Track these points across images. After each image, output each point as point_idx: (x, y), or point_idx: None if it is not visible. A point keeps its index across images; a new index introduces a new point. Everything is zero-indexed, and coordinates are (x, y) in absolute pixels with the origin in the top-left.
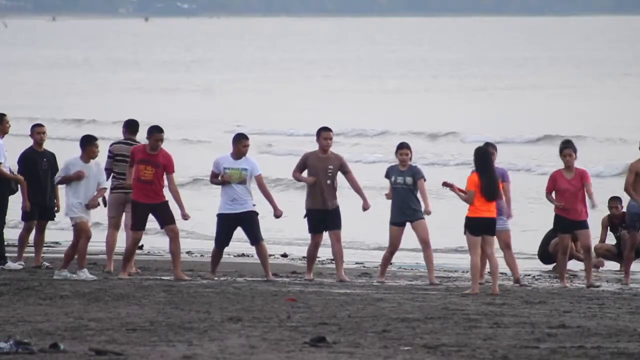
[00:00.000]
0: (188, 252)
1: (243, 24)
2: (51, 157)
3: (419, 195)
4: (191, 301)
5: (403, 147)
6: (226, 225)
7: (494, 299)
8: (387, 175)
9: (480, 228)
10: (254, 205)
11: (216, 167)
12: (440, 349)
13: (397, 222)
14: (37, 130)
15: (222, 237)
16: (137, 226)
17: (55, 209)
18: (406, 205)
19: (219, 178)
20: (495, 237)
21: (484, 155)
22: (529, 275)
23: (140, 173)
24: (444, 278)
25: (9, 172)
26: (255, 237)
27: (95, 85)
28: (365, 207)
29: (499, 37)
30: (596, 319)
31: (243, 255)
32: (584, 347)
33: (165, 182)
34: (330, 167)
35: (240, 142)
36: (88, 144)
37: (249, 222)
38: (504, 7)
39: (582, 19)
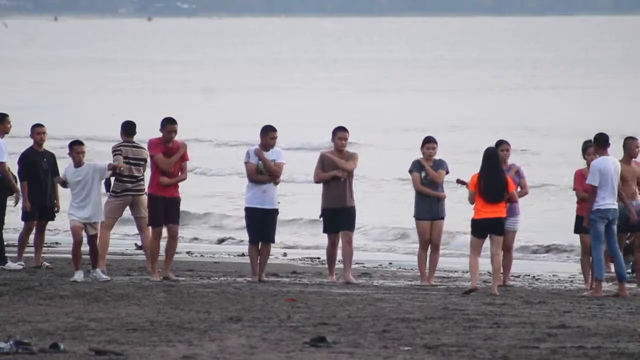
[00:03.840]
0: (188, 252)
1: (243, 24)
2: (51, 158)
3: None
4: (191, 301)
5: (430, 141)
6: (255, 218)
7: (494, 299)
8: (412, 170)
9: (484, 229)
10: (278, 202)
11: (252, 158)
12: (440, 349)
13: (424, 217)
14: (37, 131)
15: (255, 230)
16: (157, 222)
17: (55, 209)
18: (433, 201)
19: (259, 165)
20: (501, 237)
21: (488, 156)
22: (528, 275)
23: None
24: (444, 278)
25: (10, 174)
26: (269, 236)
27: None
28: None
29: (498, 37)
30: (596, 319)
31: (243, 255)
32: (584, 347)
33: None
34: (343, 176)
35: (267, 134)
36: (70, 148)
37: (270, 219)
38: (504, 7)
39: (582, 19)
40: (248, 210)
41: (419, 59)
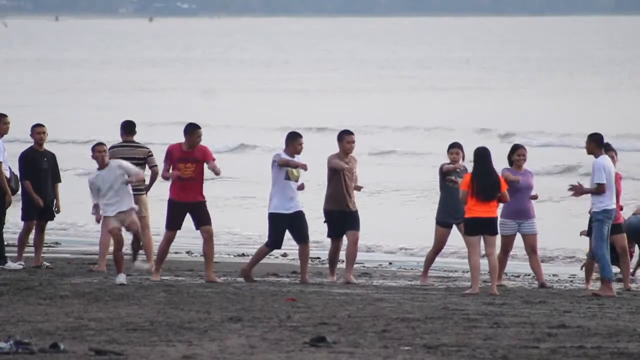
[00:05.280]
0: (188, 252)
1: (243, 24)
2: (51, 157)
3: None
4: (191, 301)
5: (454, 147)
6: (281, 225)
7: (494, 299)
8: (442, 165)
9: (476, 228)
10: (302, 205)
11: (282, 155)
12: (440, 349)
13: (445, 222)
14: (37, 130)
15: (277, 238)
16: (173, 226)
17: (56, 209)
18: (457, 207)
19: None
20: (495, 237)
21: (480, 155)
22: (528, 275)
23: (179, 172)
24: (444, 278)
25: (8, 173)
26: (303, 237)
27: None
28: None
29: (498, 37)
30: (596, 319)
31: (243, 255)
32: (584, 347)
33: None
34: (355, 169)
35: (296, 140)
36: (93, 150)
37: (300, 221)
38: (503, 7)
39: (582, 19)
40: (274, 216)
41: (419, 59)
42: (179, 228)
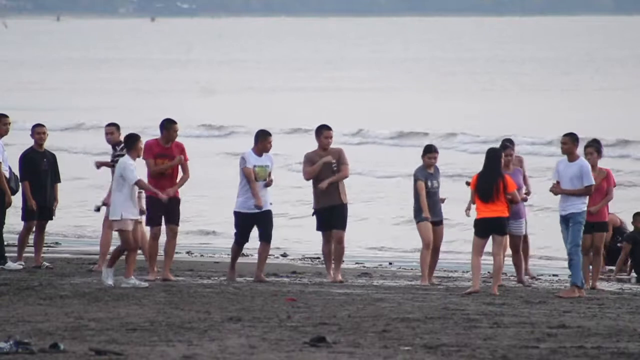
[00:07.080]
0: (188, 252)
1: (243, 24)
2: (51, 157)
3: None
4: (191, 301)
5: (432, 151)
6: (245, 223)
7: (494, 299)
8: (417, 178)
9: (485, 228)
10: (270, 204)
11: (248, 163)
12: (440, 349)
13: (424, 219)
14: (37, 131)
15: (242, 235)
16: (154, 222)
17: (55, 203)
18: (436, 208)
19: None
20: (504, 237)
21: (488, 156)
22: (528, 275)
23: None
24: (444, 278)
25: (8, 173)
26: (266, 236)
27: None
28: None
29: (498, 37)
30: (596, 319)
31: (243, 255)
32: (584, 347)
33: None
34: (334, 161)
35: (266, 139)
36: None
37: (266, 220)
38: (503, 7)
39: (582, 19)
40: (239, 214)
41: (418, 59)
42: (160, 224)
